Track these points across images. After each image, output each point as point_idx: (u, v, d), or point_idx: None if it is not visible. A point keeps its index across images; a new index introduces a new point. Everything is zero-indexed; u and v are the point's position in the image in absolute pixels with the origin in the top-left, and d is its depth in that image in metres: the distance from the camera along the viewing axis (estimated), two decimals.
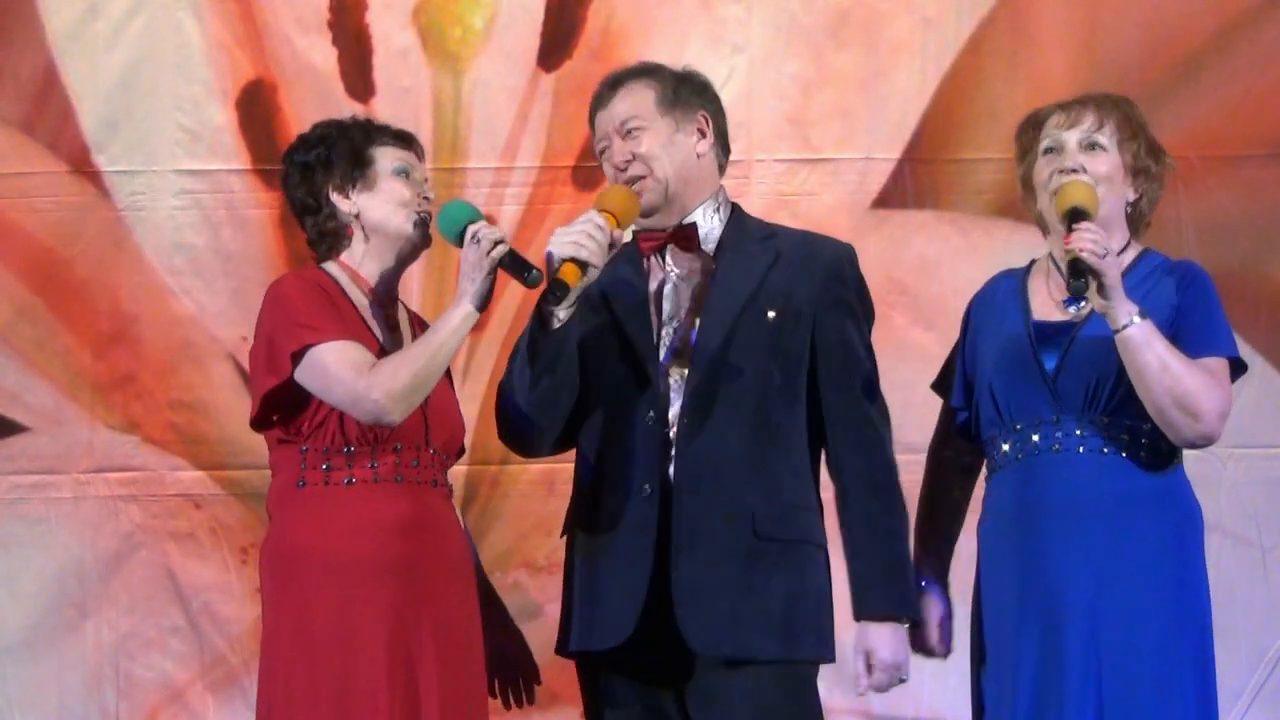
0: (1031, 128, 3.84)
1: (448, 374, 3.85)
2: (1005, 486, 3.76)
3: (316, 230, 3.83)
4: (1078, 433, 3.69)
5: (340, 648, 3.62)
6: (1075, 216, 3.61)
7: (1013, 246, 4.79)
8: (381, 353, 3.69)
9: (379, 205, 3.77)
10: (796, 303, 3.75)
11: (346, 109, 5.13)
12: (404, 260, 3.80)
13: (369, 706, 3.60)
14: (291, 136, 3.97)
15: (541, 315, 3.66)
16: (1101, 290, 3.55)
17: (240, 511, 5.37)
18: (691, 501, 3.68)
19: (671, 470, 3.69)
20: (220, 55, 5.41)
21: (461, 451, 3.90)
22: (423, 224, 3.77)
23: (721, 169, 3.89)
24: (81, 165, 5.41)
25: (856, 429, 3.74)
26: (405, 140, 3.84)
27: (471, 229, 3.63)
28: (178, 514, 5.40)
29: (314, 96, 5.38)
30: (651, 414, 3.71)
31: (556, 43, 5.43)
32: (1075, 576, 3.63)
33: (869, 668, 3.71)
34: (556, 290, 3.56)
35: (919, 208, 5.41)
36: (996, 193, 5.25)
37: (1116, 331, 3.58)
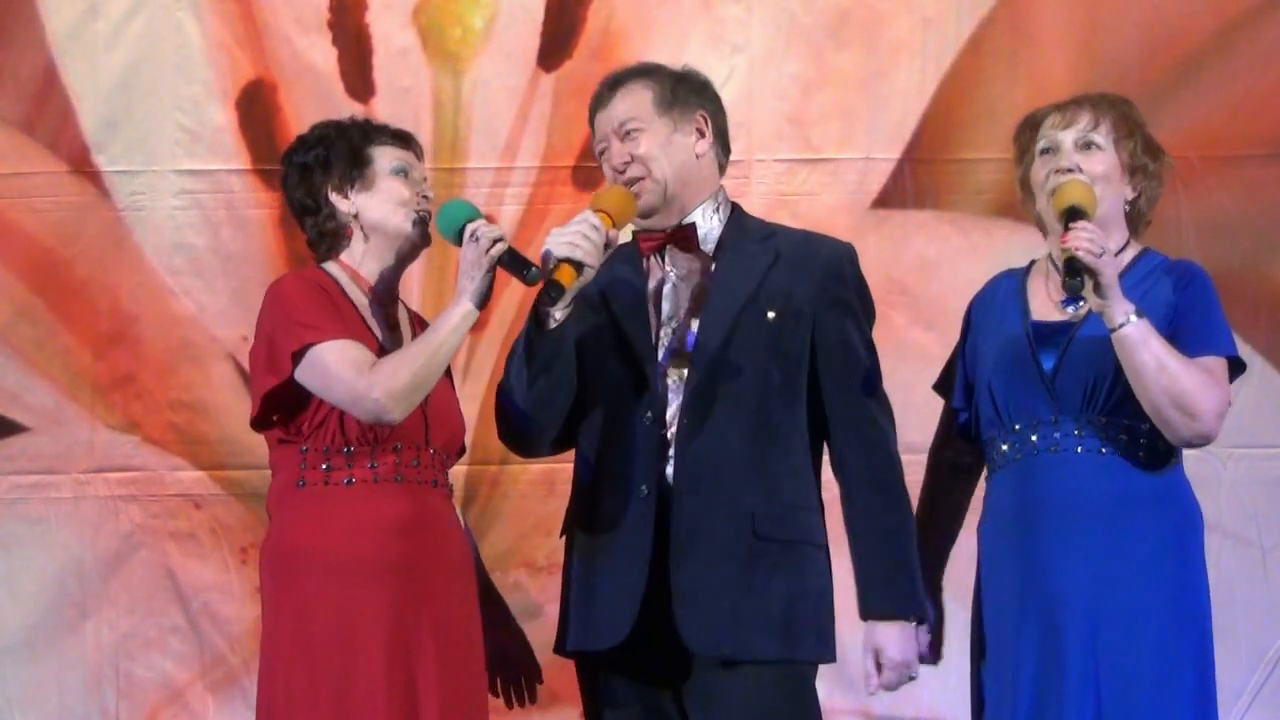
0: (1029, 129, 3.85)
1: (448, 373, 3.85)
2: (1005, 487, 3.76)
3: (316, 231, 3.83)
4: (1076, 433, 3.69)
5: (340, 647, 3.62)
6: (1072, 215, 3.61)
7: (1013, 246, 4.79)
8: (381, 352, 3.69)
9: (378, 204, 3.77)
10: (796, 303, 3.74)
11: (346, 109, 5.13)
12: (404, 259, 3.81)
13: (369, 706, 3.60)
14: (291, 136, 3.97)
15: (537, 315, 3.66)
16: (1098, 289, 3.55)
17: (240, 511, 5.37)
18: (691, 502, 3.68)
19: (669, 471, 3.69)
20: (220, 55, 5.41)
21: (462, 451, 3.90)
22: (422, 223, 3.77)
23: (722, 169, 3.89)
24: (81, 165, 5.41)
25: (859, 427, 3.74)
26: (404, 140, 3.84)
27: (470, 227, 3.63)
28: (178, 514, 5.40)
29: (314, 96, 5.38)
30: (649, 414, 3.71)
31: (556, 43, 5.43)
32: (1074, 577, 3.64)
33: (878, 667, 3.70)
34: (552, 291, 3.56)
35: (919, 208, 5.41)
36: (996, 193, 5.25)
37: (1113, 330, 3.58)
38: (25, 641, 5.37)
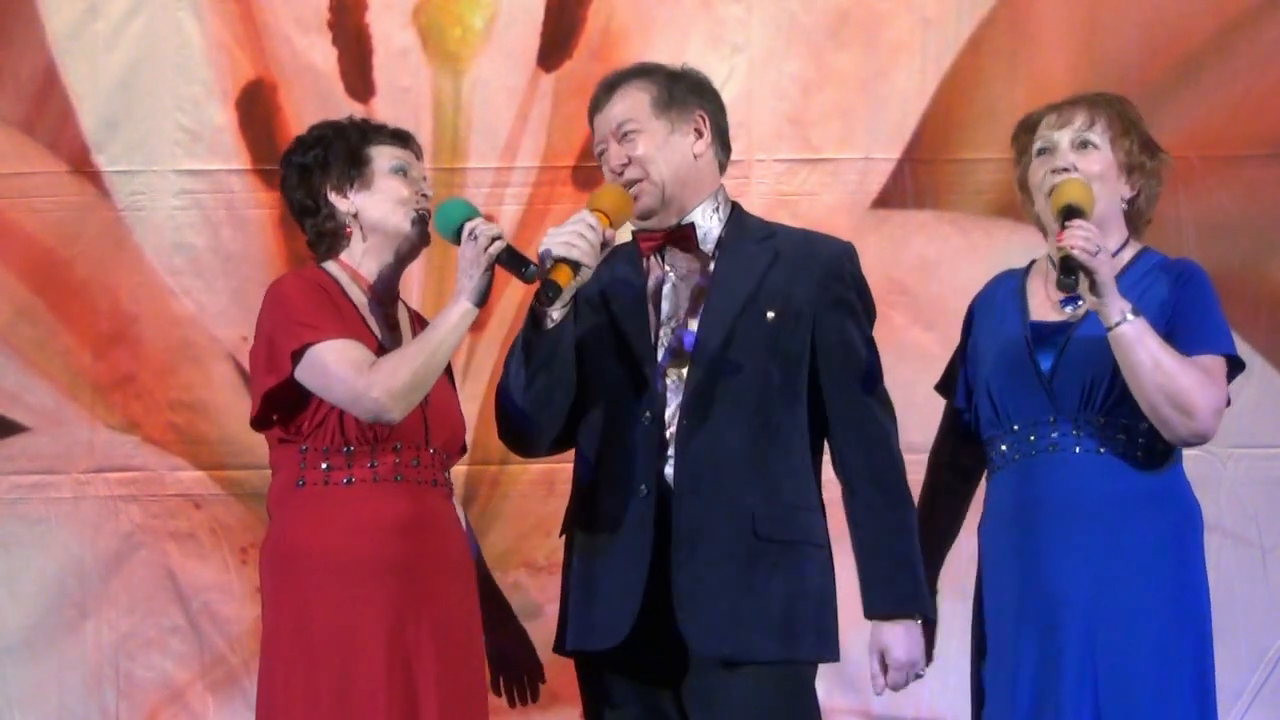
0: (1026, 130, 3.85)
1: (449, 373, 3.85)
2: (1004, 487, 3.76)
3: (315, 231, 3.83)
4: (1074, 433, 3.68)
5: (340, 647, 3.62)
6: (1069, 214, 3.61)
7: (1013, 246, 4.79)
8: (381, 351, 3.68)
9: (377, 204, 3.77)
10: (796, 302, 3.74)
11: (346, 109, 5.13)
12: (403, 258, 3.80)
13: (368, 706, 3.60)
14: (291, 136, 3.97)
15: (535, 315, 3.66)
16: (1093, 287, 3.55)
17: (240, 511, 5.37)
18: (691, 502, 3.67)
19: (668, 470, 3.69)
20: (220, 55, 5.41)
21: (464, 450, 3.90)
22: (421, 221, 3.77)
23: (722, 168, 3.88)
24: (81, 165, 5.41)
25: (860, 426, 3.74)
26: (402, 139, 3.84)
27: (468, 226, 3.63)
28: (178, 514, 5.40)
29: (314, 96, 5.38)
30: (649, 414, 3.71)
31: (556, 43, 5.43)
32: (1073, 577, 3.63)
33: (884, 667, 3.70)
34: (548, 290, 3.55)
35: (919, 208, 5.42)
36: (996, 193, 5.25)
37: (1109, 329, 3.58)
38: (25, 641, 5.37)
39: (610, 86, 3.84)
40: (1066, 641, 3.62)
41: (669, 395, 3.72)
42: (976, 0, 5.39)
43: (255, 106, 5.42)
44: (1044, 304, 3.77)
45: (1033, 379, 3.71)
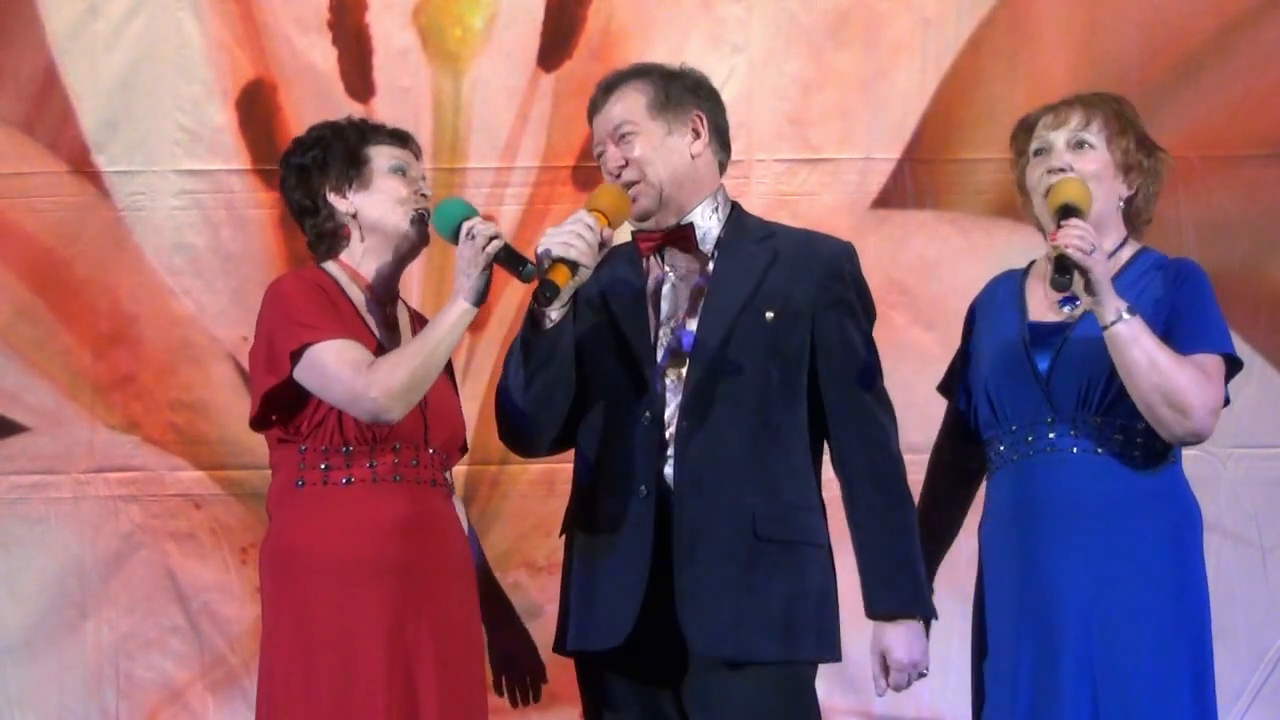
0: (1023, 131, 3.85)
1: (450, 373, 3.85)
2: (1004, 487, 3.76)
3: (315, 231, 3.83)
4: (1071, 433, 3.68)
5: (339, 647, 3.62)
6: (1066, 213, 3.61)
7: (1013, 246, 4.79)
8: (380, 351, 3.68)
9: (375, 203, 3.77)
10: (795, 303, 3.74)
11: (346, 109, 5.13)
12: (403, 258, 3.80)
13: (368, 706, 3.60)
14: (291, 136, 3.97)
15: (533, 315, 3.66)
16: (1088, 286, 3.55)
17: (240, 511, 5.37)
18: (691, 502, 3.67)
19: (668, 471, 3.69)
20: (220, 55, 5.42)
21: (465, 450, 3.90)
22: (420, 221, 3.77)
23: (721, 168, 3.88)
24: (81, 165, 5.41)
25: (860, 426, 3.74)
26: (401, 138, 3.84)
27: (466, 225, 3.63)
28: (178, 514, 5.40)
29: (314, 96, 5.38)
30: (648, 414, 3.71)
31: (556, 43, 5.43)
32: (1072, 577, 3.63)
33: (885, 668, 3.70)
34: (546, 290, 3.55)
35: (919, 208, 5.42)
36: (996, 193, 5.25)
37: (1105, 328, 3.58)
38: (25, 641, 5.37)
39: (608, 88, 3.84)
40: (1065, 642, 3.62)
41: (668, 395, 3.72)
42: (976, 0, 5.39)
43: (255, 106, 5.42)
44: (1042, 304, 3.77)
45: (1030, 379, 3.71)
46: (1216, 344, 3.67)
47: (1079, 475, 3.66)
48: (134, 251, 5.40)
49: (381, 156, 3.79)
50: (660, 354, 3.74)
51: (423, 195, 3.80)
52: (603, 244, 3.64)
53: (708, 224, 3.82)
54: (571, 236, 3.58)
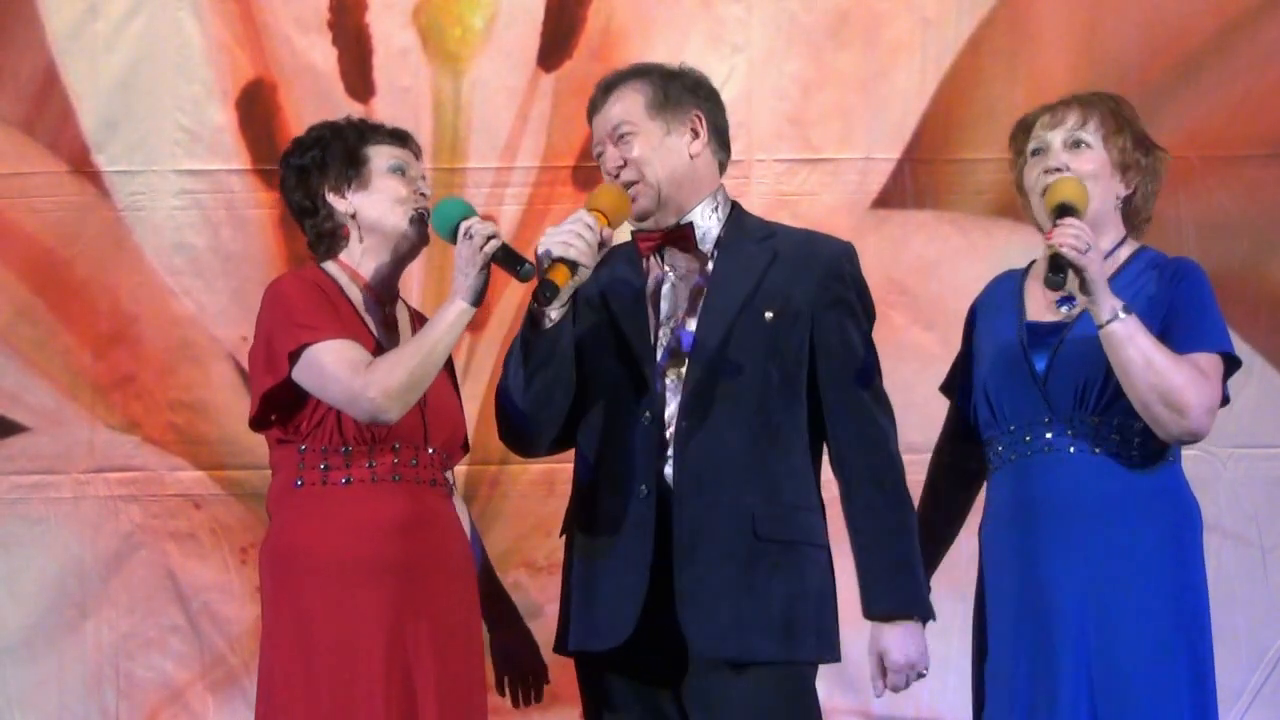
0: (1021, 132, 3.85)
1: (451, 373, 3.85)
2: (1003, 488, 3.76)
3: (315, 232, 3.83)
4: (1069, 433, 3.68)
5: (339, 647, 3.61)
6: (1062, 212, 3.61)
7: (1013, 246, 4.80)
8: (379, 351, 3.68)
9: (374, 203, 3.77)
10: (795, 302, 3.74)
11: (346, 109, 5.12)
12: (402, 258, 3.80)
13: (367, 706, 3.60)
14: (291, 136, 3.96)
15: (533, 315, 3.66)
16: (1084, 285, 3.55)
17: (240, 511, 5.37)
18: (691, 502, 3.67)
19: (668, 471, 3.69)
20: (220, 55, 5.42)
21: (466, 449, 3.89)
22: (419, 220, 3.77)
23: (721, 167, 3.88)
24: (81, 165, 5.41)
25: (859, 426, 3.74)
26: (400, 138, 3.84)
27: (464, 225, 3.63)
28: (178, 514, 5.40)
29: (314, 96, 5.38)
30: (648, 414, 3.71)
31: (556, 43, 5.43)
32: (1070, 577, 3.63)
33: (883, 669, 3.70)
34: (546, 290, 3.55)
35: (919, 208, 5.42)
36: (996, 193, 5.24)
37: (1100, 327, 3.58)
38: (25, 641, 5.37)
39: (607, 88, 3.84)
40: (1063, 642, 3.62)
41: (668, 395, 3.72)
42: (976, 0, 5.39)
43: (255, 106, 5.42)
44: (1041, 304, 3.77)
45: (1028, 380, 3.71)
46: (1214, 343, 3.67)
47: (1077, 475, 3.66)
48: (134, 251, 5.40)
49: (380, 156, 3.79)
50: (660, 354, 3.74)
51: (422, 195, 3.80)
52: (602, 244, 3.64)
53: (707, 224, 3.81)
54: (571, 236, 3.58)
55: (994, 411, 3.75)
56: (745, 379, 3.70)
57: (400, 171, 3.79)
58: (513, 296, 5.14)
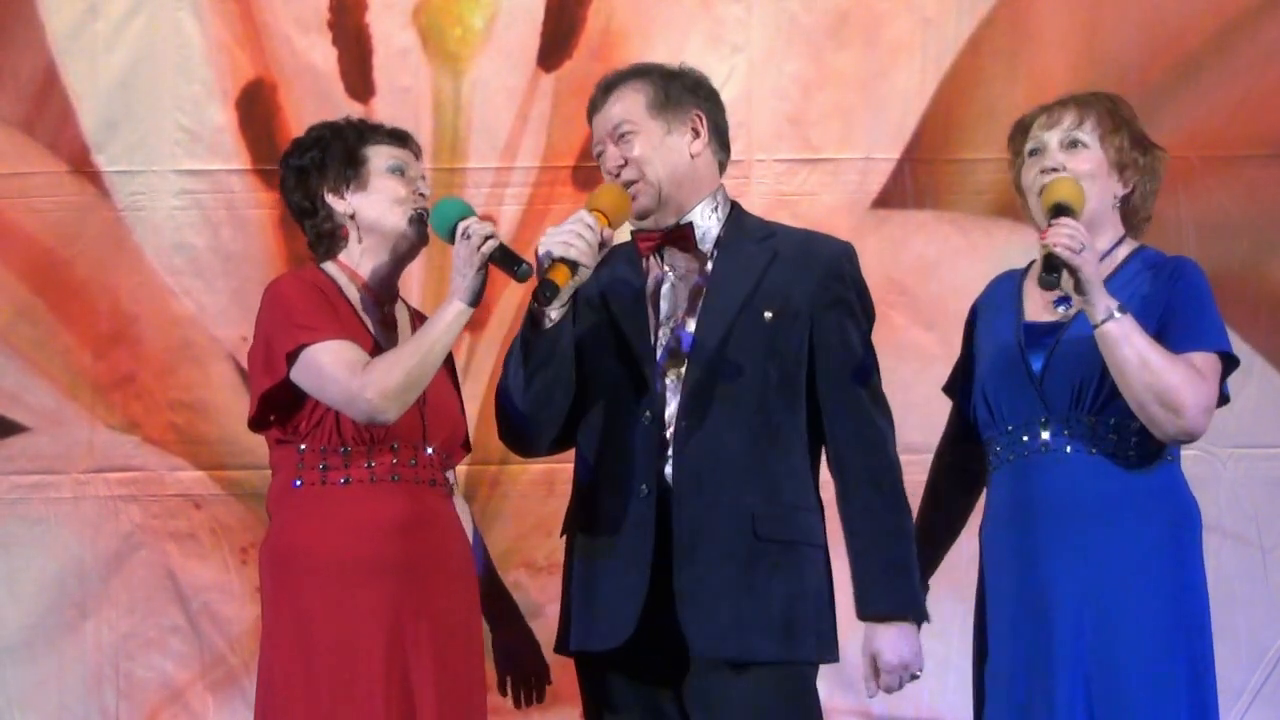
0: (1019, 132, 3.85)
1: (452, 373, 3.85)
2: (1001, 488, 3.76)
3: (314, 232, 3.83)
4: (1065, 433, 3.68)
5: (338, 647, 3.62)
6: (1058, 212, 3.61)
7: (1013, 246, 4.80)
8: (377, 351, 3.68)
9: (373, 204, 3.77)
10: (794, 302, 3.74)
11: (346, 109, 5.13)
12: (401, 258, 3.80)
13: (367, 706, 3.60)
14: (291, 136, 3.97)
15: (533, 315, 3.66)
16: (1078, 285, 3.55)
17: (240, 511, 5.37)
18: (691, 502, 3.67)
19: (668, 471, 3.69)
20: (220, 55, 5.42)
21: (467, 449, 3.89)
22: (418, 221, 3.76)
23: (721, 167, 3.88)
24: (81, 165, 5.41)
25: (857, 427, 3.73)
26: (400, 138, 3.84)
27: (462, 225, 3.63)
28: (178, 514, 5.40)
29: (314, 96, 5.38)
30: (649, 414, 3.71)
31: (556, 43, 5.43)
32: (1067, 577, 3.62)
33: (875, 670, 3.70)
34: (546, 290, 3.55)
35: (919, 208, 5.41)
36: (996, 193, 5.24)
37: (1095, 327, 3.57)
38: (25, 641, 5.37)
39: (607, 88, 3.84)
40: (1060, 642, 3.61)
41: (668, 395, 3.72)
42: (976, 0, 5.39)
43: (255, 106, 5.42)
44: (1039, 304, 3.77)
45: (1024, 380, 3.71)
46: (1211, 342, 3.66)
47: (1074, 475, 3.66)
48: (134, 251, 5.40)
49: (379, 157, 3.79)
50: (660, 354, 3.74)
51: (421, 195, 3.80)
52: (603, 244, 3.64)
53: (707, 223, 3.81)
54: (572, 236, 3.58)
55: (992, 412, 3.75)
56: (745, 379, 3.70)
57: (399, 172, 3.79)
58: (513, 296, 5.14)
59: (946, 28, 5.39)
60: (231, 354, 5.35)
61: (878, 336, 3.84)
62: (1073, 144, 3.77)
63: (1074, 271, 3.53)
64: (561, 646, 3.80)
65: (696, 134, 3.81)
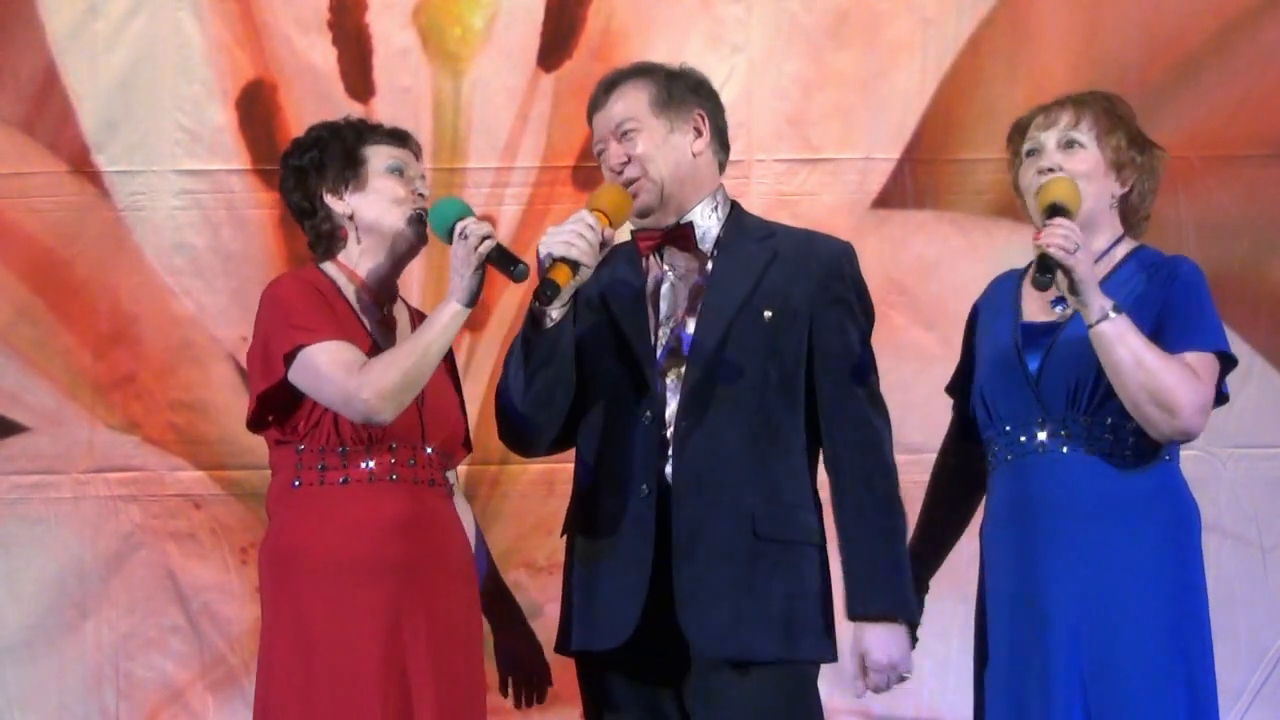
0: (1017, 133, 3.85)
1: (453, 373, 3.85)
2: (1000, 488, 3.76)
3: (314, 233, 3.83)
4: (1062, 434, 3.67)
5: (337, 647, 3.62)
6: (1053, 213, 3.61)
7: (1013, 246, 4.79)
8: (375, 352, 3.68)
9: (372, 204, 3.77)
10: (794, 302, 3.74)
11: (346, 109, 5.12)
12: (400, 258, 3.80)
13: (365, 706, 3.60)
14: (291, 136, 3.97)
15: (534, 315, 3.66)
16: (1072, 286, 3.55)
17: (240, 511, 5.37)
18: (691, 502, 3.67)
19: (669, 470, 3.69)
20: (220, 55, 5.42)
21: (469, 447, 3.89)
22: (417, 221, 3.76)
23: (721, 167, 3.88)
24: (81, 165, 5.41)
25: (854, 428, 3.73)
26: (399, 138, 3.84)
27: (459, 225, 3.63)
28: (178, 514, 5.40)
29: (314, 96, 5.38)
30: (649, 414, 3.71)
31: (556, 43, 5.43)
32: (1064, 577, 3.62)
33: (864, 669, 3.70)
34: (547, 290, 3.55)
35: (919, 208, 5.42)
36: (996, 193, 5.24)
37: (1090, 327, 3.57)
38: (25, 641, 5.38)
39: (609, 85, 3.84)
40: (1057, 643, 3.61)
41: (669, 395, 3.72)
42: (976, 0, 5.39)
43: (255, 106, 5.42)
44: (1037, 305, 3.76)
45: (1021, 380, 3.71)
46: (1207, 341, 3.66)
47: (1070, 475, 3.66)
48: (134, 251, 5.40)
49: (378, 157, 3.79)
50: (660, 354, 3.74)
51: (420, 195, 3.79)
52: (604, 243, 3.64)
53: (707, 223, 3.82)
54: (573, 236, 3.59)
55: (990, 412, 3.75)
56: (745, 379, 3.70)
57: (398, 172, 3.79)
58: (513, 296, 5.14)
59: (946, 28, 5.39)
60: (231, 354, 5.35)
61: (878, 336, 3.84)
62: (1069, 144, 3.76)
63: (1068, 272, 3.53)
64: (562, 646, 3.80)
65: (699, 133, 3.81)
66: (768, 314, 3.72)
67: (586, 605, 3.74)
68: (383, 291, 3.81)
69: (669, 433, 3.70)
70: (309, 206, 3.81)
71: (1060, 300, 3.68)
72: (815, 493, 3.77)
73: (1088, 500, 3.64)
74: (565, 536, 3.85)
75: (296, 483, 3.69)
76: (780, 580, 3.67)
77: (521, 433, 3.79)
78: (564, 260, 3.57)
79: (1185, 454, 3.76)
